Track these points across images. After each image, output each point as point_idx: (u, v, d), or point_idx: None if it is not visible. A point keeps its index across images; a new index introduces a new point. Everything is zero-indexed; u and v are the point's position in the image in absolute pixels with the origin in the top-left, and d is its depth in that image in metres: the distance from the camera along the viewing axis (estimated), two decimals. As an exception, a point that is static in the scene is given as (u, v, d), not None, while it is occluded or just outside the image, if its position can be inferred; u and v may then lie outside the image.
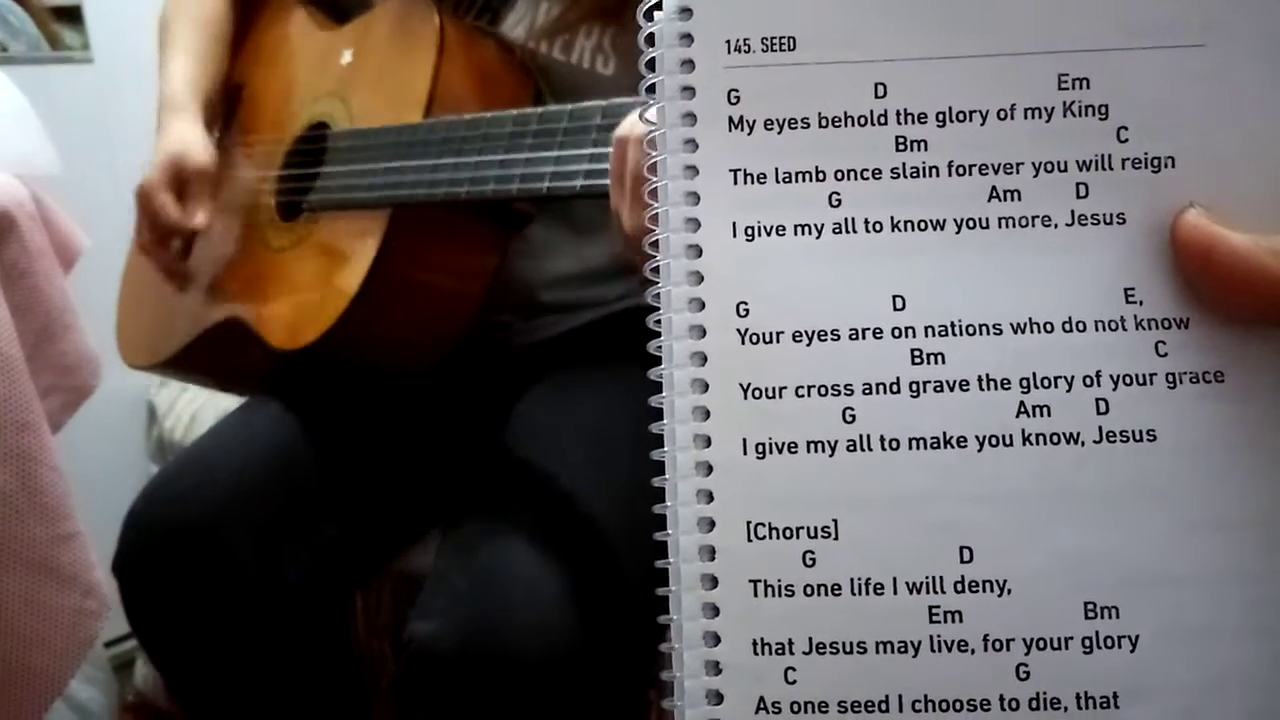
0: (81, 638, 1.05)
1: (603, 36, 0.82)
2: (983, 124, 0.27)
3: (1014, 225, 0.27)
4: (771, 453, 0.27)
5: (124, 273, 1.09)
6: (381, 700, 1.10)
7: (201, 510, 0.81)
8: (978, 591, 0.26)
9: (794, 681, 0.26)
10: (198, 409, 1.42)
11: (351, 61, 0.88)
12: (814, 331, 0.27)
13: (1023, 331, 0.27)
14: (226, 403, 1.35)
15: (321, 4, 0.97)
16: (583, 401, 0.81)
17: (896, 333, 0.27)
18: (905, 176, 0.27)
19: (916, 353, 0.27)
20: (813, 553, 0.26)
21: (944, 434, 0.26)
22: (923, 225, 0.27)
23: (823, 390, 0.27)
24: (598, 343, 0.87)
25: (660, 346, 0.28)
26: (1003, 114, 0.27)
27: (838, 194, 0.28)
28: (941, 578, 0.26)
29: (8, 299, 1.04)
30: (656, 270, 0.28)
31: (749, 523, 0.27)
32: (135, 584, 0.84)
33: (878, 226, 0.27)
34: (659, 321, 0.28)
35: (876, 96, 0.28)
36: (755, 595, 0.26)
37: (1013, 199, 0.27)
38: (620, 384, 0.81)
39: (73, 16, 1.45)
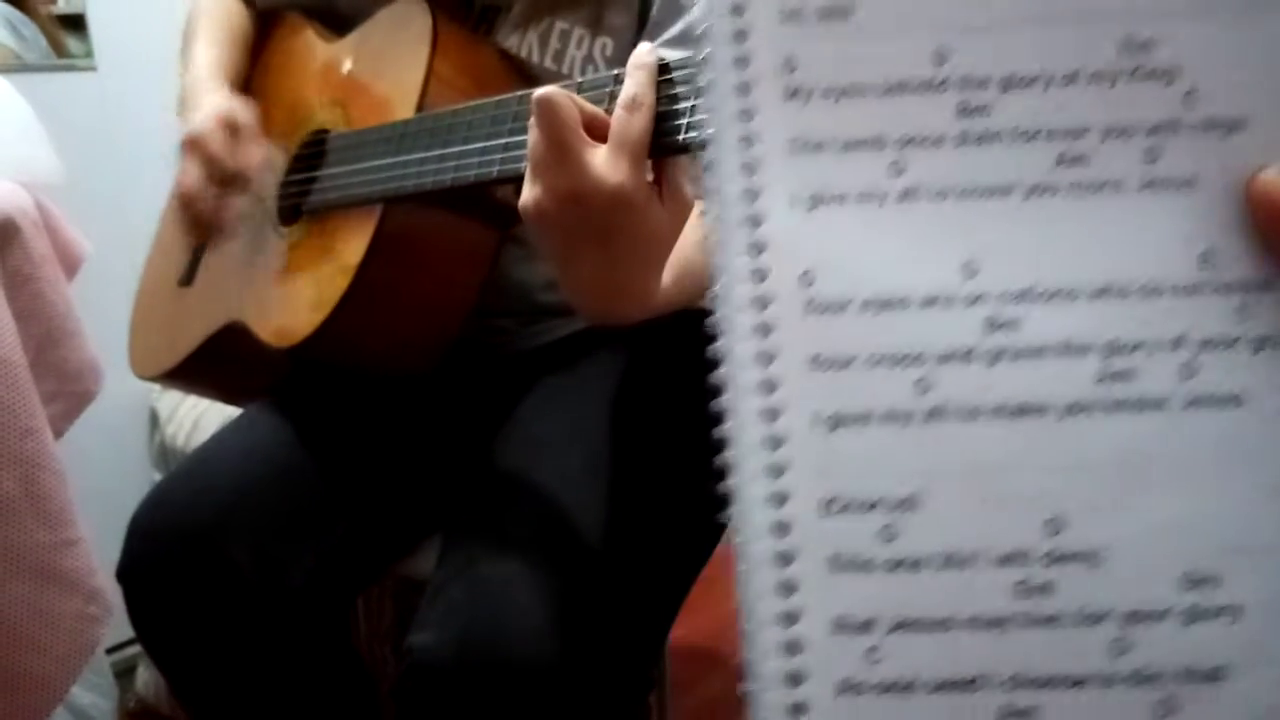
0: (83, 643, 1.03)
1: (591, 47, 0.82)
2: (1046, 90, 0.26)
3: (1083, 191, 0.26)
4: (844, 425, 0.25)
5: (139, 290, 1.07)
6: (384, 703, 1.08)
7: (204, 517, 0.79)
8: (1068, 564, 0.24)
9: (878, 661, 0.24)
10: (200, 415, 1.40)
11: (351, 69, 0.87)
12: (882, 300, 0.25)
13: (1100, 297, 0.25)
14: (229, 409, 1.33)
15: (330, 20, 0.96)
16: (579, 410, 0.80)
17: (968, 301, 0.25)
18: (969, 144, 0.26)
19: (990, 321, 0.25)
20: (892, 528, 0.24)
21: (1024, 403, 0.25)
22: (989, 192, 0.26)
23: (894, 361, 0.25)
24: (594, 349, 0.86)
25: (718, 319, 0.26)
26: (1067, 79, 0.26)
27: (899, 163, 0.26)
28: (1029, 550, 0.24)
29: (11, 305, 1.02)
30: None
31: (823, 498, 0.25)
32: (139, 591, 0.81)
33: (942, 195, 0.26)
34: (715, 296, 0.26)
35: (936, 63, 0.26)
36: (833, 572, 0.25)
37: (1080, 164, 0.26)
38: (616, 392, 0.80)
39: (76, 25, 1.42)
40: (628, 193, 0.52)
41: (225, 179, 0.84)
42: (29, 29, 1.37)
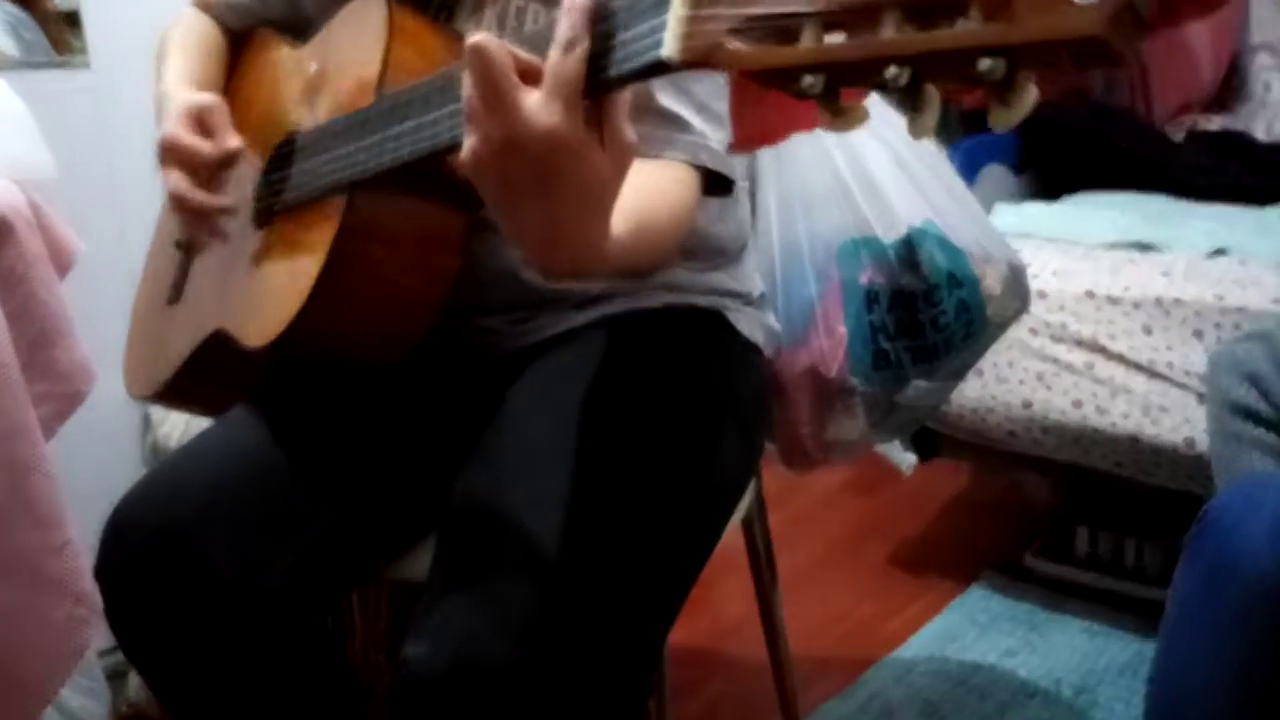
0: (73, 645, 1.01)
1: (549, 22, 0.81)
2: None
3: None
4: None
5: (133, 311, 1.06)
6: (378, 707, 1.06)
7: (180, 515, 0.77)
8: None
9: None
10: (192, 415, 1.38)
11: (317, 68, 0.87)
12: None
13: None
14: (223, 410, 1.32)
15: (302, 33, 0.95)
16: (570, 414, 0.77)
17: None
18: None
19: None
20: None
21: None
22: None
23: None
24: (584, 349, 0.83)
25: None
26: None
27: None
28: None
29: (3, 305, 1.01)
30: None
31: None
32: (115, 590, 0.80)
33: None
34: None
35: None
36: None
37: None
38: (607, 395, 0.78)
39: (70, 21, 1.39)
40: (562, 135, 0.51)
41: (208, 167, 0.83)
42: (32, 31, 1.36)
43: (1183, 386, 1.42)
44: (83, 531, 1.02)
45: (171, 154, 0.83)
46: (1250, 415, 1.02)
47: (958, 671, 1.48)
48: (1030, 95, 0.37)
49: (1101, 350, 1.49)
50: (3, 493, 0.96)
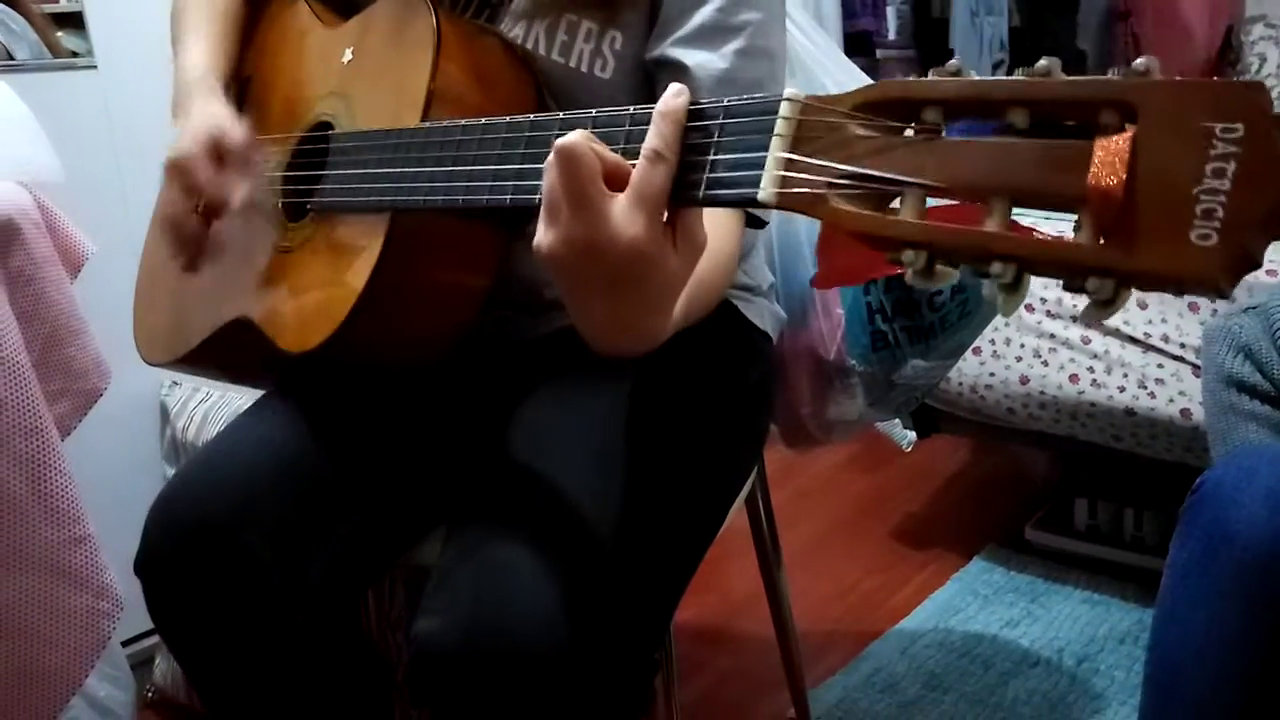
0: (95, 638, 1.01)
1: (600, 40, 0.78)
2: None
3: None
4: None
5: (140, 269, 1.03)
6: (400, 691, 1.06)
7: (221, 509, 0.77)
8: None
9: None
10: (209, 409, 1.38)
11: (352, 60, 0.83)
12: None
13: None
14: (238, 403, 1.32)
15: None
16: (584, 400, 0.78)
17: None
18: None
19: None
20: None
21: None
22: None
23: None
24: None
25: None
26: None
27: None
28: None
29: (13, 306, 1.00)
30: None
31: None
32: (158, 583, 0.79)
33: None
34: None
35: None
36: None
37: None
38: (621, 383, 0.77)
39: (75, 22, 1.38)
40: (642, 245, 0.51)
41: (211, 202, 0.80)
42: (18, 23, 1.34)
43: (1178, 359, 1.41)
44: (103, 524, 1.02)
45: (179, 176, 0.79)
46: (1245, 388, 1.01)
47: (961, 643, 1.48)
48: (1126, 299, 0.36)
49: (1097, 325, 1.48)
50: (20, 489, 0.96)
